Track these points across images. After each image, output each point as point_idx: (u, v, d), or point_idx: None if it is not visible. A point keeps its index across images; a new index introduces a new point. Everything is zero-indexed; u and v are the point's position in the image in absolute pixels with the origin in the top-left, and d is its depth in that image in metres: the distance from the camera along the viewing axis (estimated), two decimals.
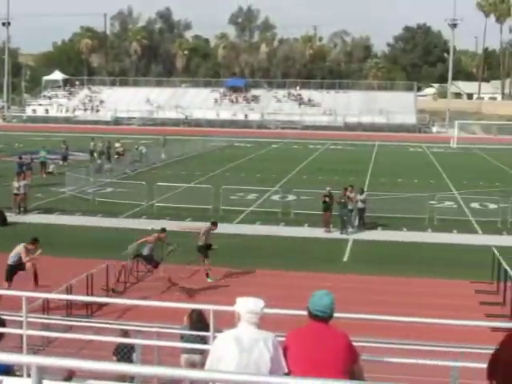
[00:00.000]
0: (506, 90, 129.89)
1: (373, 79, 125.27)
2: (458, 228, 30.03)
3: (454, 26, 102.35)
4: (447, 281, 21.45)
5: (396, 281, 21.40)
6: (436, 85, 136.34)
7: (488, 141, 77.11)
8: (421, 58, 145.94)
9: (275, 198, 35.77)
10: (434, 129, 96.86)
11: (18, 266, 19.10)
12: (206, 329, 9.16)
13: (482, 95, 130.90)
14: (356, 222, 30.18)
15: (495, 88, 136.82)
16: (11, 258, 19.16)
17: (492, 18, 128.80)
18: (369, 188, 38.54)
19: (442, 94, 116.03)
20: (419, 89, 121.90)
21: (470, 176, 47.31)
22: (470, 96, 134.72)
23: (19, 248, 19.35)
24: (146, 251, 20.70)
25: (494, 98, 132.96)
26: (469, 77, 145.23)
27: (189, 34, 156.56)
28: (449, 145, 74.19)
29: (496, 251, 22.17)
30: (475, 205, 35.64)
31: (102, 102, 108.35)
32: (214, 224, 22.77)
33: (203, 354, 10.16)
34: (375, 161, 57.28)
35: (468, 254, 25.42)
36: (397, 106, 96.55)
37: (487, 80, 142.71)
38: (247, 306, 6.02)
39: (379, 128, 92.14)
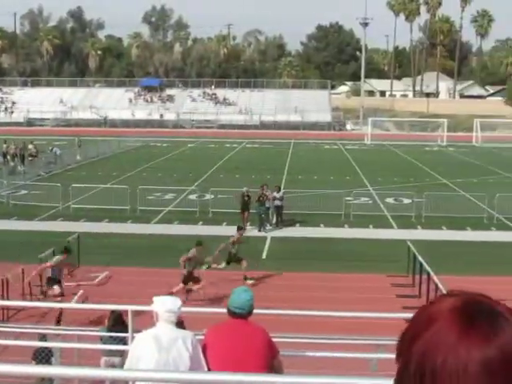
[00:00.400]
0: (417, 88, 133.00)
1: (287, 78, 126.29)
2: (374, 223, 30.55)
3: (365, 24, 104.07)
4: (364, 275, 21.77)
5: (314, 276, 21.58)
6: (349, 83, 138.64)
7: (401, 137, 78.73)
8: (334, 57, 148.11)
9: (192, 197, 35.63)
10: (349, 126, 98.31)
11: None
12: (125, 330, 9.05)
13: (394, 92, 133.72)
14: (274, 220, 30.36)
15: (407, 85, 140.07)
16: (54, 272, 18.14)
17: (402, 16, 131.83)
18: (286, 185, 38.81)
19: (356, 92, 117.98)
20: (333, 87, 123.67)
21: (385, 172, 48.22)
22: (382, 93, 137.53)
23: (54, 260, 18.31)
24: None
25: (406, 95, 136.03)
26: (381, 74, 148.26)
27: (102, 34, 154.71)
28: (363, 142, 75.46)
29: (411, 245, 22.65)
30: (390, 200, 36.35)
31: (14, 103, 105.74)
32: (240, 229, 23.08)
33: (123, 355, 10.02)
34: (291, 159, 57.74)
35: (384, 249, 25.88)
36: (311, 104, 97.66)
37: (399, 78, 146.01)
38: (165, 305, 5.96)
39: (294, 126, 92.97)
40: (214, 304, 17.70)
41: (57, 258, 18.62)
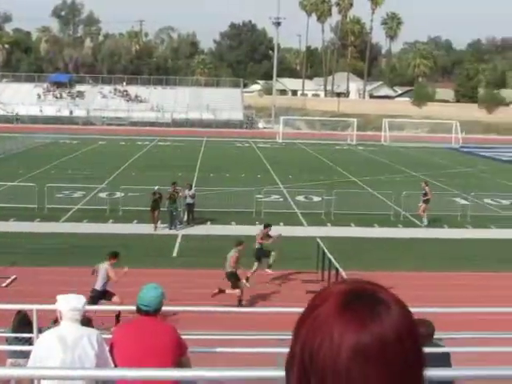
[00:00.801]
0: (329, 87, 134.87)
1: (200, 76, 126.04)
2: (285, 221, 30.83)
3: (278, 24, 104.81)
4: (275, 272, 21.95)
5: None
6: (262, 81, 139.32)
7: (312, 136, 79.67)
8: (247, 55, 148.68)
9: (102, 195, 35.17)
10: (261, 125, 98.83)
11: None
12: (31, 330, 8.88)
13: (305, 92, 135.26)
14: (185, 218, 30.29)
15: (318, 85, 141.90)
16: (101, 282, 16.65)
17: (314, 17, 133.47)
18: (197, 183, 38.77)
19: (268, 91, 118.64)
20: (245, 85, 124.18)
21: (296, 170, 48.73)
22: (294, 92, 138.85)
23: (104, 267, 16.76)
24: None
25: (317, 95, 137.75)
26: (293, 74, 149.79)
27: (9, 27, 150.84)
28: (275, 140, 76.01)
29: (320, 242, 23.00)
30: (300, 198, 36.80)
31: None
32: (266, 226, 22.86)
33: (28, 356, 9.82)
34: (203, 156, 57.68)
35: (294, 246, 26.14)
36: (224, 102, 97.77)
37: (310, 77, 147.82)
38: (69, 303, 5.89)
39: (207, 124, 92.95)
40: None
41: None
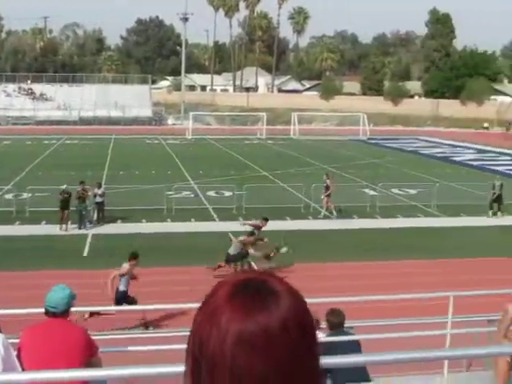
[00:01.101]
0: (238, 82, 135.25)
1: (107, 73, 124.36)
2: (196, 216, 30.80)
3: (185, 19, 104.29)
4: (186, 268, 21.88)
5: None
6: (170, 77, 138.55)
7: (222, 131, 79.70)
8: (154, 51, 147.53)
9: (9, 196, 34.31)
10: (170, 121, 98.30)
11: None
12: None
13: (214, 87, 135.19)
14: (95, 216, 29.87)
15: (227, 80, 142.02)
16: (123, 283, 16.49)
17: (221, 12, 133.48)
18: (107, 181, 38.29)
19: (177, 87, 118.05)
20: (154, 82, 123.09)
21: (206, 166, 48.63)
22: (203, 88, 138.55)
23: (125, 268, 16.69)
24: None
25: (227, 90, 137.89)
26: (202, 69, 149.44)
27: None
28: (184, 136, 75.67)
29: (232, 237, 23.05)
30: (211, 193, 36.80)
31: None
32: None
33: None
34: (112, 154, 56.93)
35: (206, 241, 26.12)
36: (132, 99, 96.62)
37: (219, 72, 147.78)
38: None
39: (115, 121, 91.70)
40: None
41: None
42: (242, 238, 22.06)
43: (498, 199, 32.58)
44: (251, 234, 22.63)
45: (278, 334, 1.25)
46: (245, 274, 1.36)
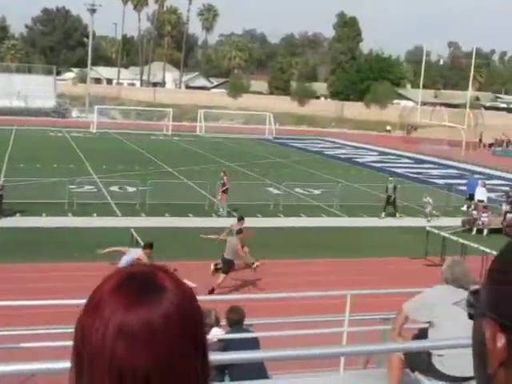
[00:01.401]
0: (145, 77, 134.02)
1: (10, 62, 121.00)
2: (98, 211, 30.38)
3: (93, 11, 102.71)
4: (91, 263, 21.52)
5: (30, 267, 21.01)
6: (76, 69, 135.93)
7: (127, 126, 78.74)
8: (60, 42, 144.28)
9: None
10: (74, 113, 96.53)
11: None
12: None
13: (121, 81, 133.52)
14: None
15: (134, 74, 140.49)
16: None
17: (130, 5, 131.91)
18: (6, 174, 37.35)
19: (82, 79, 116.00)
20: (59, 73, 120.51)
21: (110, 160, 47.96)
22: (109, 81, 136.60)
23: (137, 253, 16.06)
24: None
25: (133, 84, 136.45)
26: (108, 62, 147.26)
27: None
28: (89, 130, 74.40)
29: (134, 232, 22.87)
30: (115, 188, 36.34)
31: None
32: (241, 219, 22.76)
33: None
34: (13, 146, 55.36)
35: (108, 237, 25.74)
36: (36, 89, 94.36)
37: (126, 66, 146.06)
38: None
39: (17, 112, 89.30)
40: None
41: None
42: (235, 240, 20.97)
43: (390, 201, 33.20)
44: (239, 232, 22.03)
45: (161, 328, 1.24)
46: (135, 266, 1.35)
